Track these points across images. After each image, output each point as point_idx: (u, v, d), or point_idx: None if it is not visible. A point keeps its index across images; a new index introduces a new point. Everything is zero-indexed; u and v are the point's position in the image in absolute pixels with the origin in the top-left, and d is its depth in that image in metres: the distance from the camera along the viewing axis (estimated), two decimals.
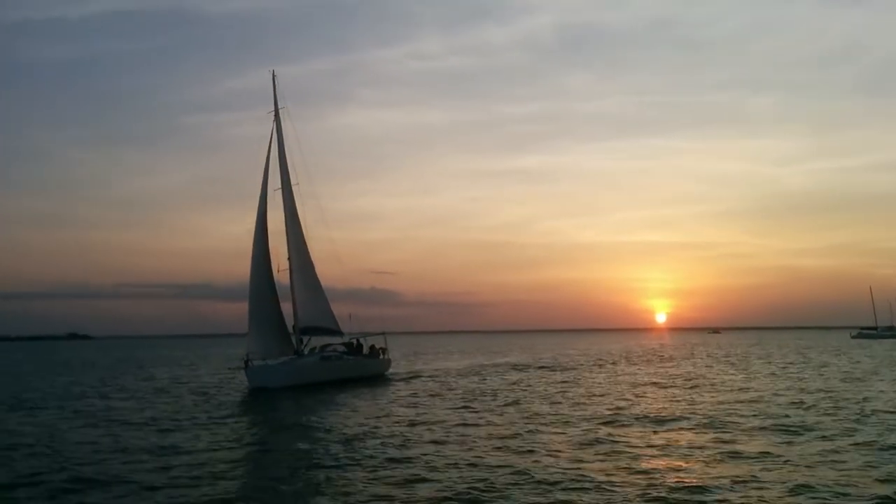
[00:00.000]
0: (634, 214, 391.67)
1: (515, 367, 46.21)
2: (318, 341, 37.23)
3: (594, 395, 26.97)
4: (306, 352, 35.47)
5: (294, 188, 37.00)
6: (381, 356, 39.82)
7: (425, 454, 15.24)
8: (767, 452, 14.76)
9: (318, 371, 34.23)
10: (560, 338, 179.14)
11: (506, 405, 23.82)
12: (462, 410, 22.65)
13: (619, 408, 22.79)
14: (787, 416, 20.33)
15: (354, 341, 38.70)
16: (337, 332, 38.03)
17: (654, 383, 32.73)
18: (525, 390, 29.65)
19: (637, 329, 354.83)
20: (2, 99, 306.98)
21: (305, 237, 37.65)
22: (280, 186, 36.07)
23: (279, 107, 36.56)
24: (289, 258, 35.57)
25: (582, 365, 49.48)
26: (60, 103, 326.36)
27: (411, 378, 38.37)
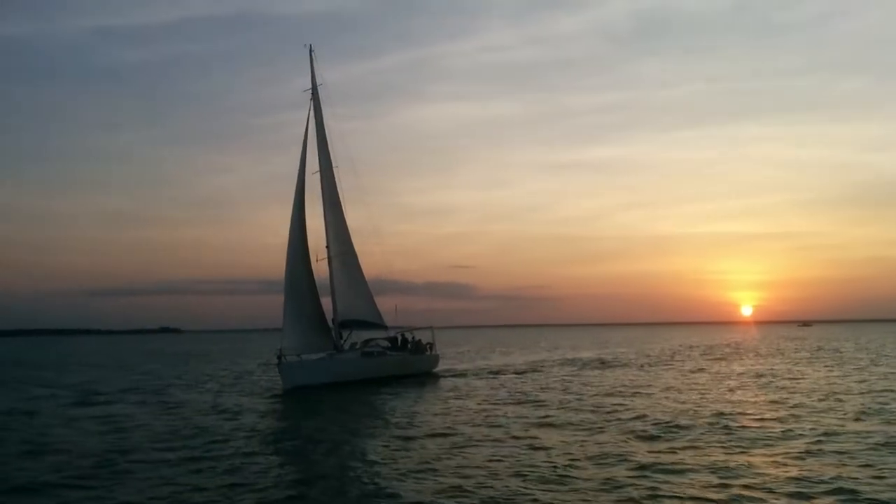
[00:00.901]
0: (713, 204, 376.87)
1: (574, 362, 42.51)
2: (359, 336, 34.76)
3: (683, 397, 23.30)
4: (346, 347, 33.05)
5: (335, 171, 34.64)
6: (429, 352, 36.99)
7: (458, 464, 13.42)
8: None
9: (357, 368, 31.69)
10: (637, 332, 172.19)
11: (560, 408, 20.53)
12: (500, 415, 19.50)
13: (714, 412, 19.15)
14: None
15: (399, 336, 36.06)
16: (380, 325, 35.39)
17: (752, 382, 28.60)
18: (586, 390, 26.15)
19: (720, 323, 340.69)
20: (88, 103, 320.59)
21: (348, 225, 35.31)
22: (318, 169, 33.70)
23: (317, 84, 34.21)
24: (327, 246, 33.15)
25: (662, 361, 45.23)
26: (142, 106, 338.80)
27: (462, 375, 35.39)
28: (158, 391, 30.07)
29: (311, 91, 34.00)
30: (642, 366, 40.69)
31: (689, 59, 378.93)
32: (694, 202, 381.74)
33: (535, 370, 38.86)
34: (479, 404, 22.92)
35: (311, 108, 33.77)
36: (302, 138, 32.97)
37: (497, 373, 37.26)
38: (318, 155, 33.73)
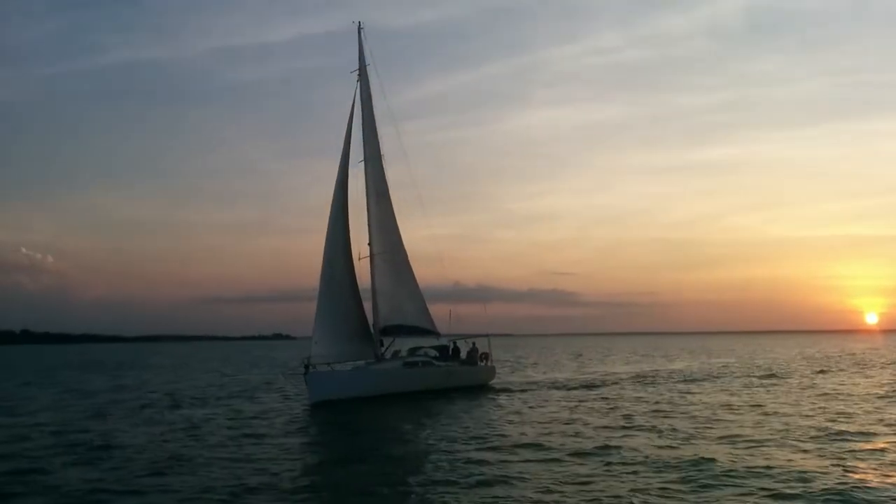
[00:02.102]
0: (834, 206, 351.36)
1: (669, 375, 37.11)
2: (405, 344, 31.42)
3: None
4: (389, 355, 29.73)
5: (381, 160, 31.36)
6: (484, 362, 33.08)
7: None
8: None
9: (396, 380, 28.18)
10: (748, 341, 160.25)
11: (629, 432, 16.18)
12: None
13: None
14: None
15: (451, 344, 32.38)
16: (430, 332, 31.85)
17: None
18: (669, 411, 21.38)
19: (841, 331, 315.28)
20: (212, 119, 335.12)
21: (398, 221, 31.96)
22: (364, 158, 30.47)
23: (365, 64, 30.96)
24: (369, 243, 29.90)
25: (784, 374, 39.26)
26: (260, 120, 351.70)
27: (525, 389, 31.24)
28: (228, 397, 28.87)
29: (357, 72, 30.82)
30: (749, 379, 35.05)
31: (808, 54, 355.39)
32: (811, 203, 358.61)
33: (614, 383, 34.24)
34: (515, 422, 18.95)
35: (358, 89, 30.58)
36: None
37: (567, 386, 32.88)
38: (364, 142, 30.52)
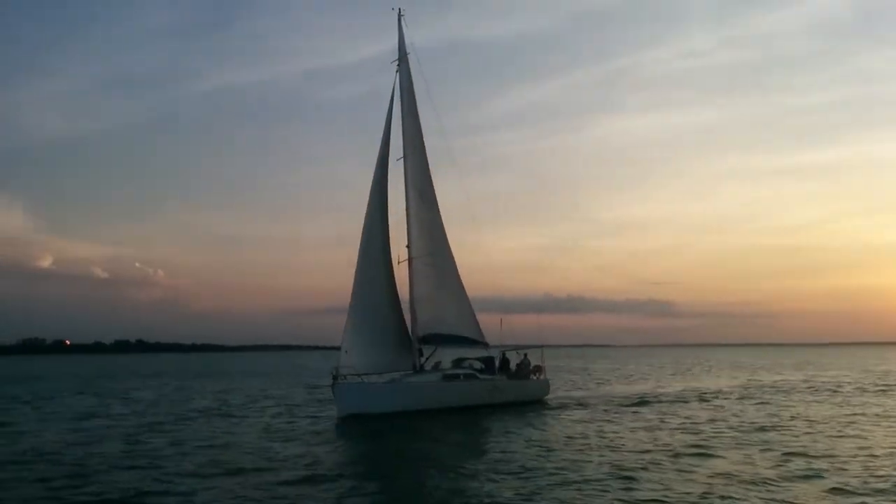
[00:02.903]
0: None
1: (767, 388, 32.26)
2: (447, 355, 28.79)
3: None
4: (429, 367, 27.21)
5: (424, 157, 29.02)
6: (536, 376, 29.93)
7: None
8: None
9: (434, 394, 25.51)
10: (863, 352, 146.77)
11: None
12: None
13: None
14: None
15: (499, 355, 29.47)
16: (476, 342, 29.06)
17: None
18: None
19: None
20: (307, 137, 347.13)
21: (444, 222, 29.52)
22: (403, 154, 28.20)
23: (405, 53, 28.76)
24: (408, 245, 27.53)
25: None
26: (354, 135, 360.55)
27: (585, 404, 27.86)
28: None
29: (397, 62, 28.65)
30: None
31: None
32: None
33: (697, 400, 30.34)
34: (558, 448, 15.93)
35: (397, 80, 28.40)
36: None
37: (642, 402, 29.40)
38: (403, 134, 28.25)
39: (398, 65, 28.45)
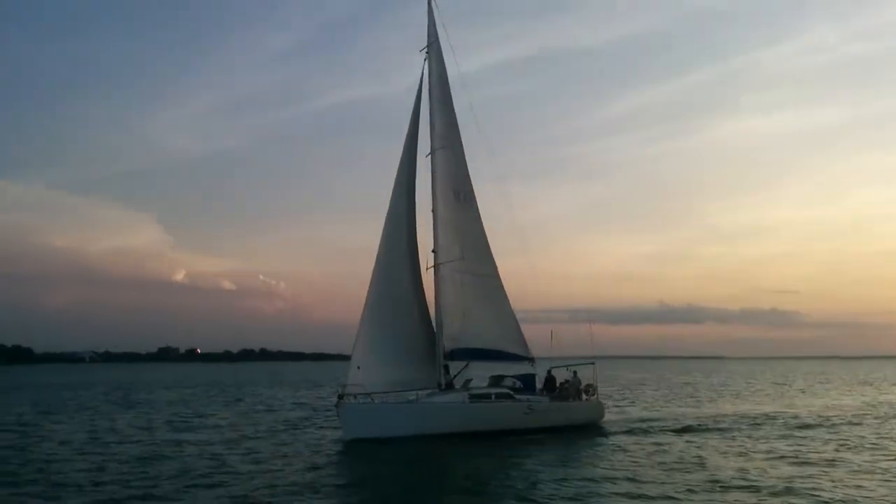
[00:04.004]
0: None
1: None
2: (490, 371, 25.58)
3: None
4: (459, 385, 24.02)
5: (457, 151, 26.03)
6: (588, 396, 25.97)
7: None
8: None
9: (457, 416, 22.16)
10: None
11: None
12: None
13: None
14: None
15: (545, 373, 25.82)
16: (518, 357, 25.66)
17: None
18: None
19: None
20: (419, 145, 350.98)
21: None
22: (431, 150, 25.33)
23: (437, 39, 25.93)
24: (434, 250, 24.57)
25: None
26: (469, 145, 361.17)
27: (650, 430, 23.72)
28: None
29: (426, 49, 25.87)
30: None
31: None
32: None
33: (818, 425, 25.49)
34: None
35: (426, 69, 25.60)
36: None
37: (737, 425, 25.26)
38: (433, 127, 25.39)
39: (427, 52, 25.65)
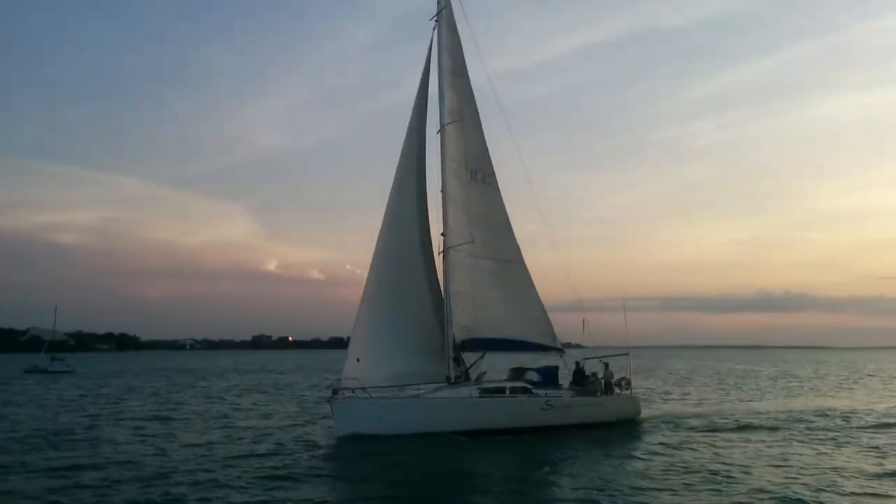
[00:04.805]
0: None
1: None
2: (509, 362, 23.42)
3: None
4: (474, 377, 21.93)
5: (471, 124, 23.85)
6: (620, 390, 23.28)
7: None
8: None
9: (464, 413, 20.02)
10: None
11: None
12: None
13: None
14: None
15: (577, 365, 23.35)
16: (543, 347, 23.35)
17: None
18: None
19: None
20: (497, 134, 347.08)
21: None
22: (441, 126, 23.24)
23: (445, 6, 23.80)
24: (443, 234, 22.52)
25: None
26: (543, 136, 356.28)
27: (694, 427, 21.16)
28: None
29: (435, 19, 23.76)
30: None
31: None
32: None
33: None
34: None
35: (434, 39, 23.50)
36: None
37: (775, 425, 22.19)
38: (442, 100, 23.28)
39: (436, 21, 23.55)
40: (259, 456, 16.96)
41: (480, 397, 20.45)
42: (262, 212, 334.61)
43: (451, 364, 21.57)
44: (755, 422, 23.38)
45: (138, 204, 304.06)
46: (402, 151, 22.35)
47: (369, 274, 21.36)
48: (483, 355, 22.32)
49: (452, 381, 21.34)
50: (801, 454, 17.27)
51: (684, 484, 13.57)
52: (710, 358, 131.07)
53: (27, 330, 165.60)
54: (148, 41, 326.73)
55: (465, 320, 22.03)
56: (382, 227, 21.75)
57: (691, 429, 21.73)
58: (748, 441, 19.40)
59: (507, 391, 21.05)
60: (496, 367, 23.79)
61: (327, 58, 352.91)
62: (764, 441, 19.36)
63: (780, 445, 18.64)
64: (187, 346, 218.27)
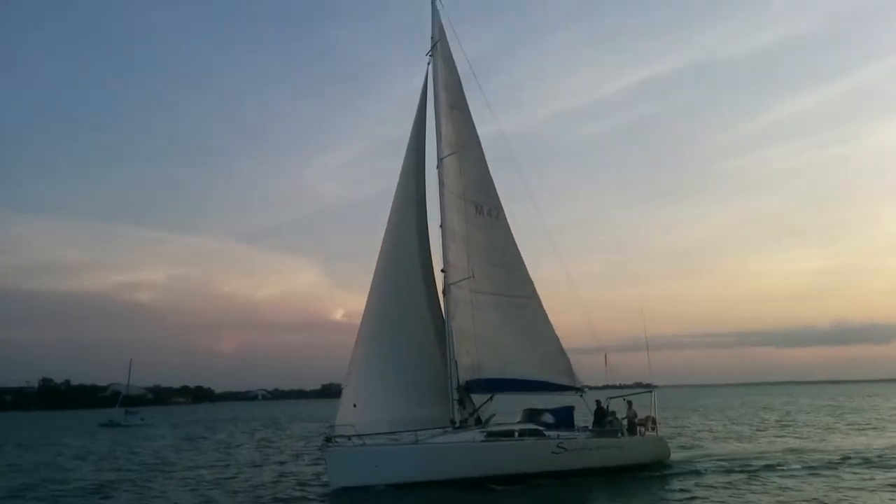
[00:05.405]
0: None
1: None
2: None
3: None
4: (482, 420, 20.45)
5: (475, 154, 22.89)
6: (645, 431, 21.26)
7: None
8: None
9: (468, 458, 18.54)
10: None
11: None
12: None
13: None
14: None
15: (597, 405, 21.59)
16: (560, 386, 21.69)
17: None
18: None
19: None
20: (574, 171, 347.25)
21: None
22: (438, 160, 22.28)
23: (442, 38, 23.11)
24: (443, 270, 21.35)
25: None
26: (605, 173, 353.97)
27: (731, 470, 18.99)
28: None
29: (430, 54, 23.02)
30: None
31: None
32: None
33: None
34: None
35: (429, 72, 22.81)
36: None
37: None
38: (439, 135, 22.43)
39: (431, 55, 22.88)
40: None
41: (485, 441, 18.97)
42: (327, 262, 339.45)
43: (456, 407, 20.18)
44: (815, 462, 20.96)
45: (206, 260, 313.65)
46: (398, 187, 21.55)
47: (366, 311, 20.41)
48: (491, 397, 20.90)
49: (457, 424, 19.96)
50: None
51: None
52: (779, 394, 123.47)
53: (108, 386, 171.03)
54: (208, 96, 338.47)
55: (469, 360, 20.72)
56: (380, 261, 20.86)
57: (728, 472, 19.59)
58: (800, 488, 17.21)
59: (516, 434, 19.49)
60: (513, 410, 22.29)
61: (386, 108, 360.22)
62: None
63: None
64: (259, 397, 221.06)
